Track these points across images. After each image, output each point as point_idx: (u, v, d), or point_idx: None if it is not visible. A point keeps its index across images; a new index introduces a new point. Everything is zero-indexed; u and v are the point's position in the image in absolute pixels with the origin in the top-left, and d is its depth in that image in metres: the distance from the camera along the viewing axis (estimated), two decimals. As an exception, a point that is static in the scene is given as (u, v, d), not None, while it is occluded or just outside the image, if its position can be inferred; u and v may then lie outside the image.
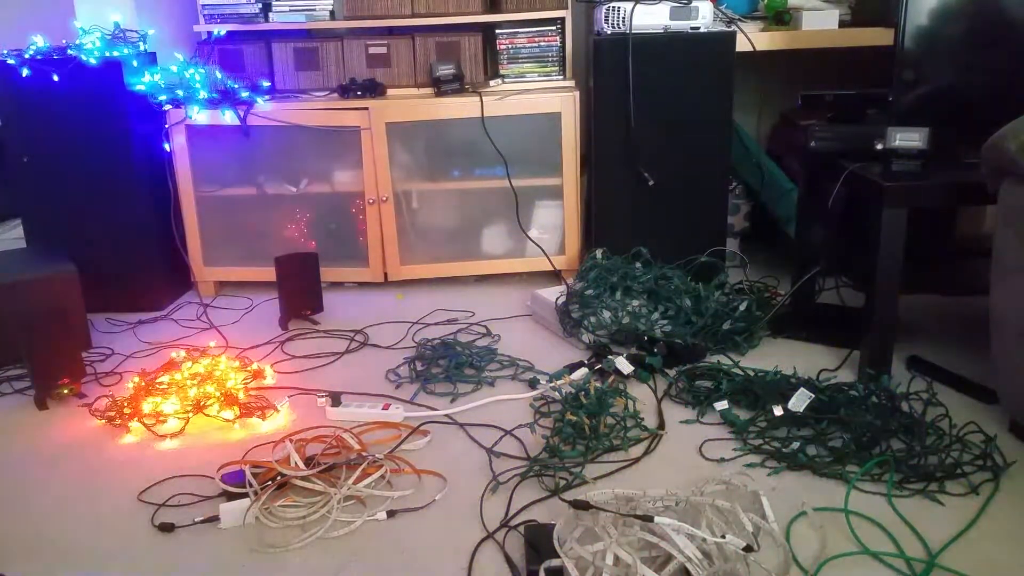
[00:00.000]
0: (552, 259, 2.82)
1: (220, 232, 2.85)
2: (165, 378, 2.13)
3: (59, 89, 2.55)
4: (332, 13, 2.85)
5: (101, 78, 2.56)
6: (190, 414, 1.98)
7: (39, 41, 2.64)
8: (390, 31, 2.90)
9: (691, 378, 2.07)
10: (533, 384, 2.10)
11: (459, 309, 2.66)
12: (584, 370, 2.11)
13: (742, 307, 2.30)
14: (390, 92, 2.84)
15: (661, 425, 1.89)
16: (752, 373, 2.08)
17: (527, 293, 2.65)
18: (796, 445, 1.75)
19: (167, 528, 1.57)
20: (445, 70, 2.78)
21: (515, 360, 2.25)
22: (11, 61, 2.54)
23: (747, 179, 2.94)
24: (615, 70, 2.51)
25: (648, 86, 2.52)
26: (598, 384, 2.00)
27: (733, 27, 2.57)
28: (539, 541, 1.43)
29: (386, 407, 1.97)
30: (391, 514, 1.59)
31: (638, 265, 2.48)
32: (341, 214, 2.82)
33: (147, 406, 2.00)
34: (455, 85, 2.77)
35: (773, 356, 2.22)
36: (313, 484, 1.63)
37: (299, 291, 2.59)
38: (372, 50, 2.85)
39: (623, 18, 2.47)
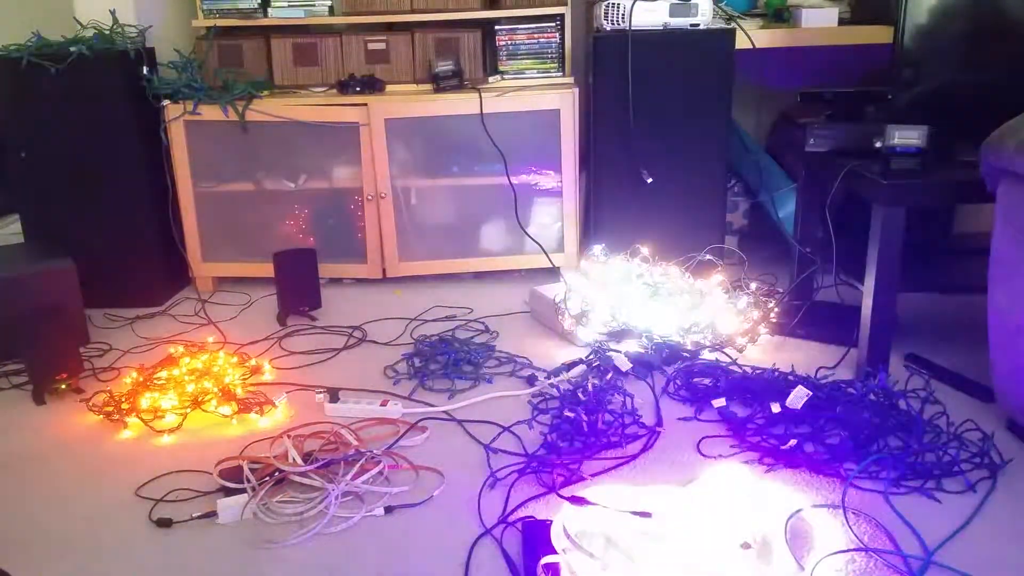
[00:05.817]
0: (551, 256, 2.82)
1: (218, 228, 2.85)
2: (163, 373, 2.13)
3: (57, 84, 2.54)
4: (331, 8, 2.85)
5: (99, 73, 2.56)
6: (188, 410, 1.98)
7: (38, 35, 2.63)
8: (389, 27, 2.90)
9: (689, 375, 2.08)
10: (531, 381, 2.11)
11: (457, 306, 2.66)
12: (582, 367, 2.11)
13: (740, 304, 2.31)
14: (389, 88, 2.83)
15: (659, 422, 1.90)
16: (750, 370, 2.08)
17: (526, 290, 2.65)
18: (794, 442, 1.76)
19: (165, 523, 1.57)
20: (444, 66, 2.77)
21: (513, 357, 2.25)
22: (9, 55, 2.53)
23: (746, 177, 2.94)
24: (614, 67, 2.51)
25: (647, 83, 2.52)
26: (596, 381, 2.00)
27: (733, 24, 2.57)
28: (536, 537, 1.43)
29: (384, 403, 1.97)
30: (389, 510, 1.59)
31: (637, 262, 2.48)
32: (340, 210, 2.81)
33: (145, 401, 2.00)
34: (454, 81, 2.76)
35: (771, 354, 2.23)
36: (311, 480, 1.63)
37: (297, 287, 2.59)
38: (371, 46, 2.84)
39: (623, 15, 2.47)
